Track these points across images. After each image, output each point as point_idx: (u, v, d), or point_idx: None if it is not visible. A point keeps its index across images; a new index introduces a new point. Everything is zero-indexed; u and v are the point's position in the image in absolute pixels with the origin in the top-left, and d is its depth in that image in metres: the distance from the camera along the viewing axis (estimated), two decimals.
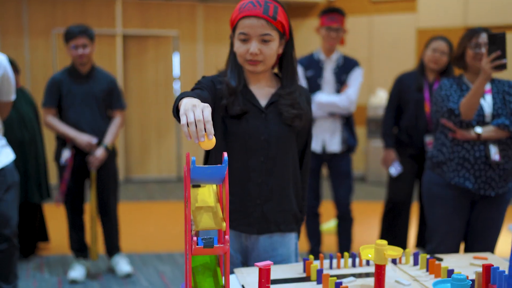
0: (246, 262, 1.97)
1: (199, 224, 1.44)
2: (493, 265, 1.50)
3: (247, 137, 1.87)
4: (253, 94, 1.91)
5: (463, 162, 2.69)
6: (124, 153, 7.26)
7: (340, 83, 3.71)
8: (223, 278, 1.47)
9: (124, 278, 3.83)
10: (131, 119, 7.30)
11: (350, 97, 3.66)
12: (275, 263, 1.92)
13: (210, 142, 1.40)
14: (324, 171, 4.20)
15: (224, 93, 1.88)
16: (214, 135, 1.87)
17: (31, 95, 4.27)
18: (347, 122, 3.78)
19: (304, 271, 1.76)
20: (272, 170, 1.90)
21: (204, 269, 1.57)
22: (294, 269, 1.80)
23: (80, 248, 3.86)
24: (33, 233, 4.31)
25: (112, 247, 3.94)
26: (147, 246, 4.62)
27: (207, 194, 1.54)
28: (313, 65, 3.72)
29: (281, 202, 1.93)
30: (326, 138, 3.74)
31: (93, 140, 3.66)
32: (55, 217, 5.08)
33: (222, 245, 1.37)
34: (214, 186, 1.57)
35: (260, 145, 1.88)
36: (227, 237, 1.38)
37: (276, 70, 2.02)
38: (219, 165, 1.38)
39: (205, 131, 1.40)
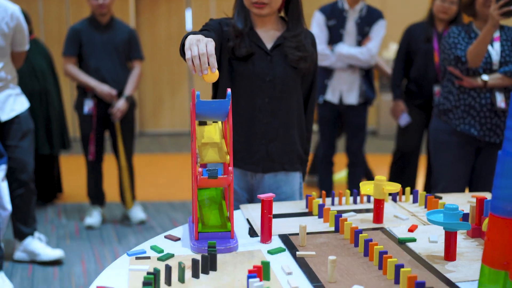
0: (251, 199, 2.05)
1: (204, 158, 1.51)
2: (486, 198, 1.56)
3: (253, 78, 1.93)
4: (259, 36, 1.96)
5: (469, 109, 2.72)
6: (138, 107, 7.35)
7: (362, 35, 3.70)
8: (228, 210, 1.55)
9: (138, 224, 3.97)
10: (144, 73, 7.35)
11: (371, 51, 3.66)
12: (279, 200, 2.00)
13: (213, 75, 1.46)
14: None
15: (230, 35, 1.93)
16: (221, 76, 1.93)
17: (46, 46, 4.32)
18: (367, 74, 3.78)
19: (307, 206, 1.83)
20: (277, 110, 1.96)
21: (210, 203, 1.65)
22: (297, 205, 1.88)
23: (96, 196, 3.98)
24: (52, 182, 4.44)
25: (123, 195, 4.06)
26: (161, 195, 4.74)
27: (212, 131, 1.61)
28: (336, 15, 3.69)
29: (286, 142, 1.99)
30: (343, 90, 3.75)
31: (113, 91, 3.73)
32: (70, 168, 5.21)
33: (226, 176, 1.45)
34: (220, 123, 1.64)
35: (265, 86, 1.93)
36: (230, 168, 1.45)
37: (282, 14, 2.05)
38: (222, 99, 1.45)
39: (209, 64, 1.46)
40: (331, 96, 3.77)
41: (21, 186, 3.10)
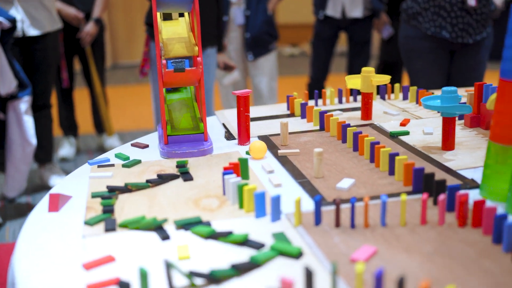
0: None
1: (170, 52, 1.33)
2: (486, 83, 1.41)
3: None
4: None
5: (439, 10, 2.53)
6: (110, 39, 7.02)
7: None
8: (200, 110, 1.39)
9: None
10: (115, 2, 6.99)
11: None
12: None
13: None
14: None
15: None
16: None
17: None
18: None
19: (288, 108, 1.67)
20: None
21: (181, 106, 1.48)
22: (278, 108, 1.71)
23: (69, 126, 3.79)
24: None
25: (102, 123, 3.87)
26: (137, 124, 4.56)
27: (179, 26, 1.42)
28: None
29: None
30: (346, 2, 3.46)
31: (81, 14, 3.48)
32: None
33: (195, 68, 1.27)
34: (187, 17, 1.45)
35: None
36: (199, 59, 1.27)
37: None
38: None
39: None
40: (332, 10, 3.49)
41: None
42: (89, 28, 3.51)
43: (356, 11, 3.47)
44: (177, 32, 1.39)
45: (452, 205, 0.95)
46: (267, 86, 3.56)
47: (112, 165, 1.26)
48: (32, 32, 2.88)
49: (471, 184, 1.07)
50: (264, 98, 3.56)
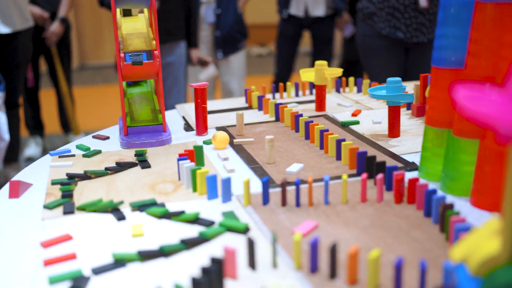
0: None
1: (129, 46, 1.38)
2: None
3: None
4: None
5: (393, 11, 2.62)
6: (77, 40, 7.00)
7: None
8: (159, 102, 1.44)
9: None
10: (82, 3, 6.97)
11: None
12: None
13: None
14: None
15: None
16: None
17: None
18: None
19: (246, 101, 1.73)
20: None
21: (141, 100, 1.53)
22: (236, 101, 1.77)
23: (35, 126, 3.79)
24: None
25: (68, 123, 3.88)
26: (104, 123, 4.57)
27: (139, 22, 1.48)
28: None
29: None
30: (308, 1, 3.56)
31: (46, 14, 3.48)
32: None
33: (153, 61, 1.32)
34: (146, 13, 1.50)
35: None
36: (156, 52, 1.32)
37: None
38: None
39: None
40: (296, 9, 3.56)
41: None
42: (55, 27, 3.52)
43: (319, 10, 3.56)
44: (136, 28, 1.45)
45: (390, 184, 1.02)
46: (236, 84, 3.62)
47: (73, 155, 1.30)
48: (3, 30, 2.88)
49: (411, 166, 1.15)
50: (233, 96, 3.62)
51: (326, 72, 1.56)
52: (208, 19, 3.46)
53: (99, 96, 5.62)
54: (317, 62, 1.57)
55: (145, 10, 1.50)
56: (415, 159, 1.19)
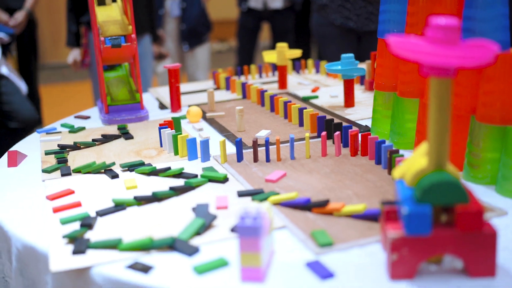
0: None
1: (106, 32, 1.50)
2: None
3: None
4: None
5: (344, 2, 2.81)
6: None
7: None
8: (135, 83, 1.56)
9: None
10: (40, 2, 6.95)
11: None
12: None
13: None
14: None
15: None
16: None
17: None
18: None
19: (214, 83, 1.88)
20: None
21: (118, 82, 1.65)
22: (206, 84, 1.92)
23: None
24: None
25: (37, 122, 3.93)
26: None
27: (113, 10, 1.60)
28: None
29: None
30: None
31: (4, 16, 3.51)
32: None
33: (130, 43, 1.45)
34: (119, 2, 1.62)
35: None
36: (133, 36, 1.45)
37: None
38: None
39: None
40: (255, 2, 3.71)
41: None
42: (20, 16, 3.50)
43: (277, 2, 3.73)
44: (111, 16, 1.57)
45: (347, 142, 1.18)
46: (202, 75, 3.76)
47: (59, 132, 1.42)
48: None
49: (365, 128, 1.31)
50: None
51: (287, 53, 1.72)
52: (174, 12, 3.59)
53: (60, 95, 5.66)
54: (278, 44, 1.73)
55: None
56: (368, 123, 1.36)
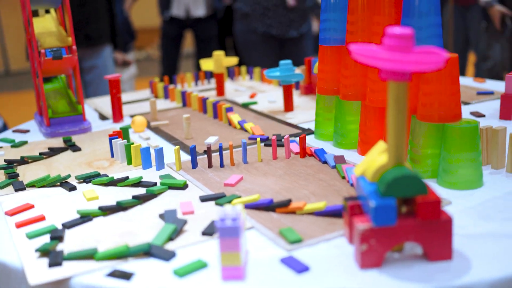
0: None
1: (44, 43, 1.48)
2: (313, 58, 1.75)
3: None
4: None
5: (265, 11, 2.92)
6: (0, 45, 6.67)
7: None
8: (76, 95, 1.55)
9: None
10: (6, 8, 6.63)
11: None
12: None
13: None
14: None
15: None
16: None
17: None
18: None
19: (152, 92, 1.89)
20: None
21: (56, 95, 1.63)
22: (142, 93, 1.93)
23: None
24: None
25: None
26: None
27: (47, 22, 1.58)
28: None
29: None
30: (189, 2, 3.71)
31: None
32: None
33: (71, 55, 1.44)
34: (53, 13, 1.60)
35: None
36: (74, 47, 1.45)
37: None
38: None
39: None
40: (177, 10, 3.71)
41: None
42: None
43: (199, 10, 3.76)
44: (46, 27, 1.55)
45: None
46: (127, 84, 3.73)
47: (1, 147, 1.39)
48: None
49: (308, 131, 1.38)
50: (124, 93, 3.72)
51: (224, 61, 1.76)
52: None
53: (25, 103, 5.44)
54: (216, 52, 1.77)
55: (52, 10, 1.60)
56: (310, 126, 1.43)
